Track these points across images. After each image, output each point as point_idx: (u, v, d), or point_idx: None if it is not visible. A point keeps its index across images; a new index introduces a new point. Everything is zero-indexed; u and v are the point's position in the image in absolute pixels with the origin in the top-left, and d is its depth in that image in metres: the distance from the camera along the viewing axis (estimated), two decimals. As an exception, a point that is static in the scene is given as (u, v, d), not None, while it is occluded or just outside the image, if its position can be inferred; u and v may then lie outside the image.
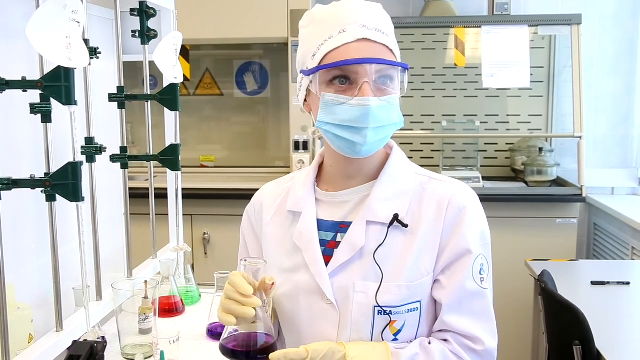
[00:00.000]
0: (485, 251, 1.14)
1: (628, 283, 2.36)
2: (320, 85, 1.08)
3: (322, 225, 1.17)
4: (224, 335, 1.08)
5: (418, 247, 1.11)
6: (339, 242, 1.14)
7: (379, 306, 1.09)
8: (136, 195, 2.06)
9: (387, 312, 1.09)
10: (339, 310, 1.12)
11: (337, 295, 1.12)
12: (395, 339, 1.11)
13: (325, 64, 1.07)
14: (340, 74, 1.06)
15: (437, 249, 1.11)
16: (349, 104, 1.05)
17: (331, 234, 1.16)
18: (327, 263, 1.13)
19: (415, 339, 1.12)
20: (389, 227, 1.11)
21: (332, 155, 1.18)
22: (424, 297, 1.11)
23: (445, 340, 1.11)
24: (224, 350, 1.07)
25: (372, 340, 1.10)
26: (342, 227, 1.15)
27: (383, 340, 1.10)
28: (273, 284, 1.10)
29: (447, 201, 1.12)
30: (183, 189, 2.12)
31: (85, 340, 1.35)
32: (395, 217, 1.11)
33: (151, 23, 1.90)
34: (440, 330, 1.12)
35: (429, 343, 1.10)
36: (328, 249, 1.15)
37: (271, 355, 1.02)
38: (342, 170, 1.17)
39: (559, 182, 3.46)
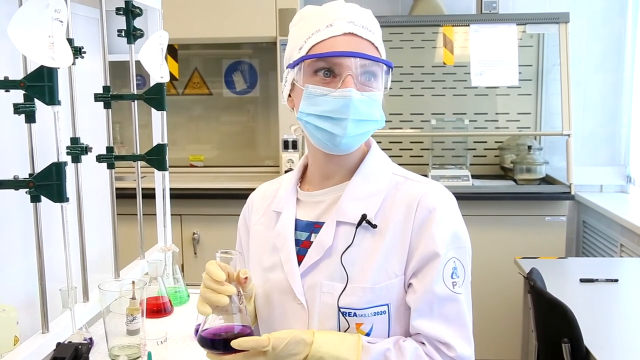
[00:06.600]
0: (459, 254, 1.10)
1: (616, 280, 2.38)
2: (305, 77, 1.09)
3: (298, 225, 1.17)
4: (202, 326, 1.08)
5: (386, 248, 1.08)
6: (312, 242, 1.13)
7: (342, 307, 1.08)
8: (124, 196, 2.04)
9: (351, 314, 1.08)
10: (308, 310, 1.12)
11: (307, 295, 1.12)
12: None
13: (311, 54, 1.07)
14: (325, 66, 1.06)
15: (407, 251, 1.08)
16: (331, 96, 1.06)
17: (306, 234, 1.16)
18: (301, 263, 1.13)
19: None
20: (357, 228, 1.09)
21: (312, 154, 1.19)
22: (393, 301, 1.09)
23: (421, 342, 1.08)
24: (202, 340, 1.07)
25: None
26: (316, 227, 1.15)
27: None
28: (247, 277, 1.10)
29: (416, 202, 1.09)
30: (172, 189, 2.11)
31: (70, 342, 1.33)
32: (363, 218, 1.09)
33: (137, 22, 1.89)
34: (417, 334, 1.09)
35: (404, 341, 1.08)
36: (302, 249, 1.14)
37: (233, 342, 1.01)
38: (321, 168, 1.18)
39: (547, 180, 3.47)
